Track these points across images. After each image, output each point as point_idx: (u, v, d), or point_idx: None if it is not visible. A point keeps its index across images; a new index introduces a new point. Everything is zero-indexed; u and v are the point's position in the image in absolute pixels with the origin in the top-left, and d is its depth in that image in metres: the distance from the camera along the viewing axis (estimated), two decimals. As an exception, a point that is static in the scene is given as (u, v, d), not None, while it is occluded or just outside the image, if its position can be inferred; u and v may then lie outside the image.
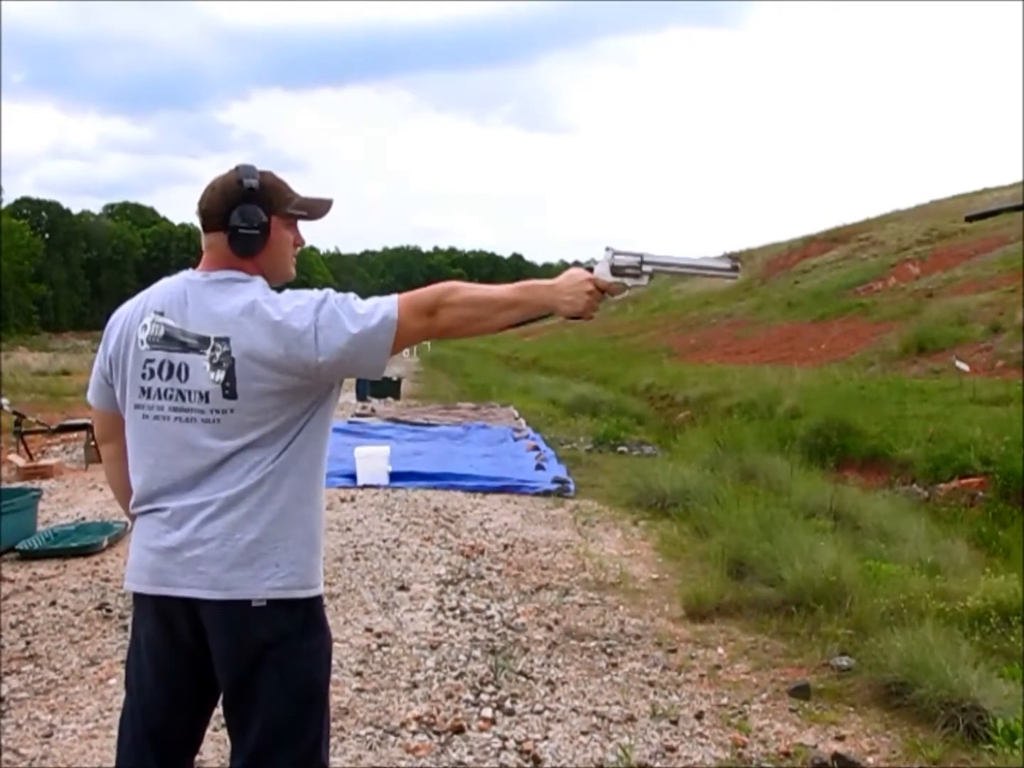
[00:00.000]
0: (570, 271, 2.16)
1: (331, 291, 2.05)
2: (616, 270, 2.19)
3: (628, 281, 2.20)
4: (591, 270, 2.17)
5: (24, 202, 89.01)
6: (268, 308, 2.00)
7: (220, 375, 2.00)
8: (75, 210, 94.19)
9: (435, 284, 2.08)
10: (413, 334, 2.04)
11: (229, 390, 2.00)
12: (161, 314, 2.08)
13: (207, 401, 2.02)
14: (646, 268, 2.21)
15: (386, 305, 2.01)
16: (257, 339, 1.98)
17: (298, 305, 2.00)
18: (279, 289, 2.13)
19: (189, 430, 2.03)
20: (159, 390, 2.06)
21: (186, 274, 2.14)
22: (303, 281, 2.22)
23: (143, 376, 2.08)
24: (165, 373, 2.05)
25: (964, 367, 13.12)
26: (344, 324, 1.97)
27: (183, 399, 2.04)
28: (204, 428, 2.02)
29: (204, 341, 2.02)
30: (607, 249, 2.21)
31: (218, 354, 2.00)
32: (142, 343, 2.08)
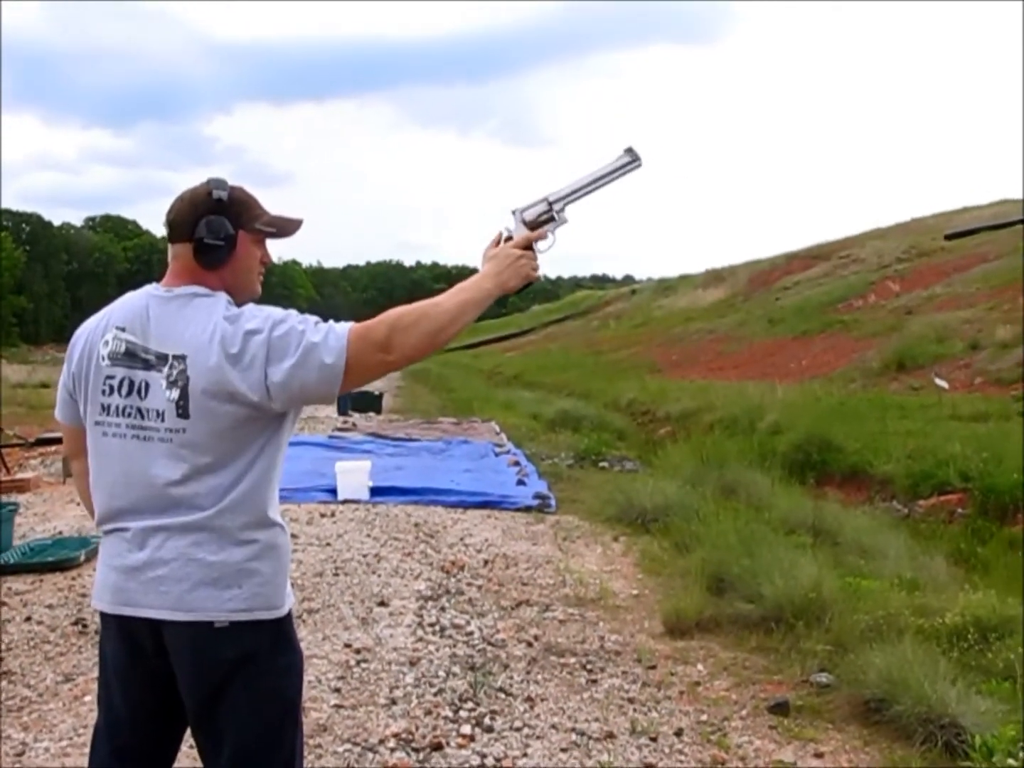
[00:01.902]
0: (489, 253, 2.14)
1: (292, 313, 2.02)
2: (532, 224, 2.18)
3: (549, 227, 2.19)
4: (510, 238, 2.16)
5: (5, 213, 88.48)
6: (227, 327, 1.98)
7: (175, 393, 1.98)
8: (56, 222, 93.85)
9: (381, 315, 2.02)
10: (370, 369, 2.00)
11: (182, 409, 1.98)
12: (123, 330, 2.06)
13: (163, 420, 2.00)
14: (556, 206, 2.19)
15: (338, 332, 1.96)
16: (212, 359, 1.96)
17: (254, 327, 1.97)
18: (258, 303, 2.12)
19: (147, 449, 2.01)
20: (118, 407, 2.04)
21: (149, 289, 2.12)
22: (284, 295, 2.19)
23: (103, 392, 2.06)
24: (125, 390, 2.03)
25: (944, 384, 13.19)
26: (295, 351, 1.94)
27: (142, 417, 2.02)
28: (161, 447, 2.00)
29: (163, 358, 2.00)
30: (513, 213, 2.20)
31: (175, 372, 1.98)
32: (103, 359, 2.06)
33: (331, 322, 2.01)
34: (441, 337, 2.01)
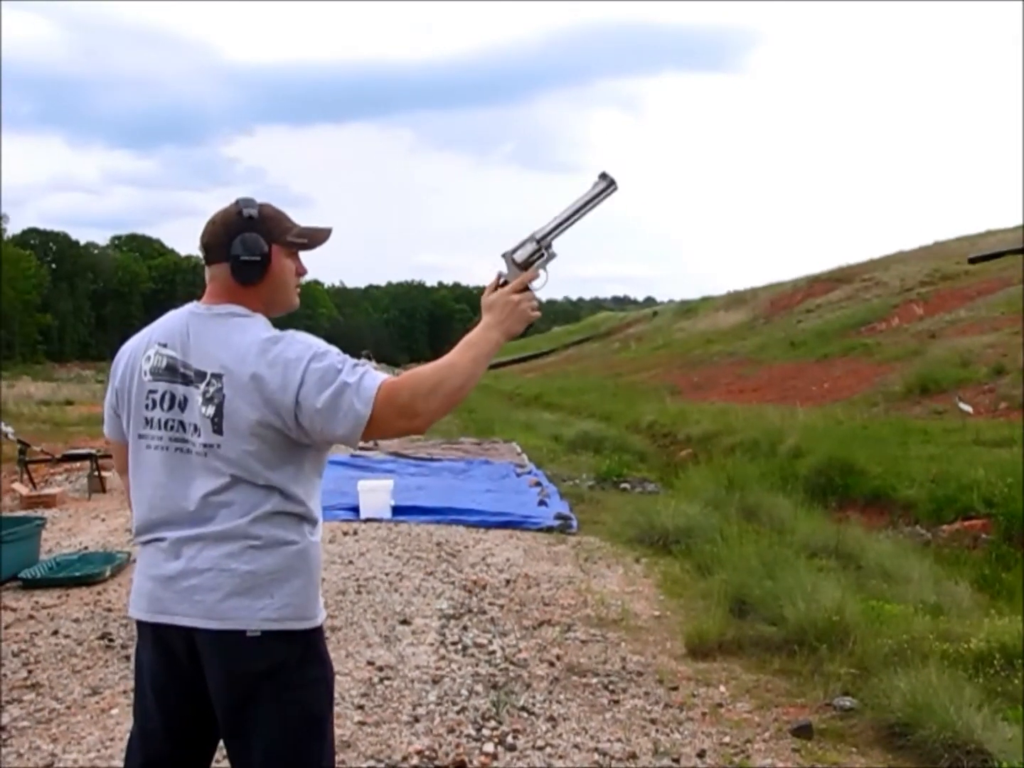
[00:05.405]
0: (487, 303, 2.18)
1: (333, 350, 2.04)
2: (524, 264, 2.23)
3: (540, 264, 2.24)
4: (505, 283, 2.21)
5: (31, 232, 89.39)
6: (267, 347, 2.02)
7: (211, 410, 2.03)
8: (82, 241, 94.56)
9: (403, 377, 2.04)
10: (391, 430, 2.04)
11: (216, 425, 2.03)
12: (164, 346, 2.12)
13: (199, 434, 2.05)
14: (544, 242, 2.24)
15: (370, 382, 1.98)
16: (247, 380, 2.00)
17: (295, 354, 2.01)
18: (284, 323, 2.16)
19: (187, 461, 2.07)
20: (160, 420, 2.10)
21: (190, 307, 2.18)
22: (307, 314, 2.22)
23: (146, 407, 2.12)
24: (167, 404, 2.09)
25: (967, 408, 13.11)
26: (329, 387, 1.97)
27: (183, 430, 2.07)
28: (198, 460, 2.06)
29: (201, 375, 2.06)
30: (503, 256, 2.24)
31: (212, 389, 2.03)
32: (146, 374, 2.12)
33: (368, 366, 2.05)
34: (460, 395, 2.06)
